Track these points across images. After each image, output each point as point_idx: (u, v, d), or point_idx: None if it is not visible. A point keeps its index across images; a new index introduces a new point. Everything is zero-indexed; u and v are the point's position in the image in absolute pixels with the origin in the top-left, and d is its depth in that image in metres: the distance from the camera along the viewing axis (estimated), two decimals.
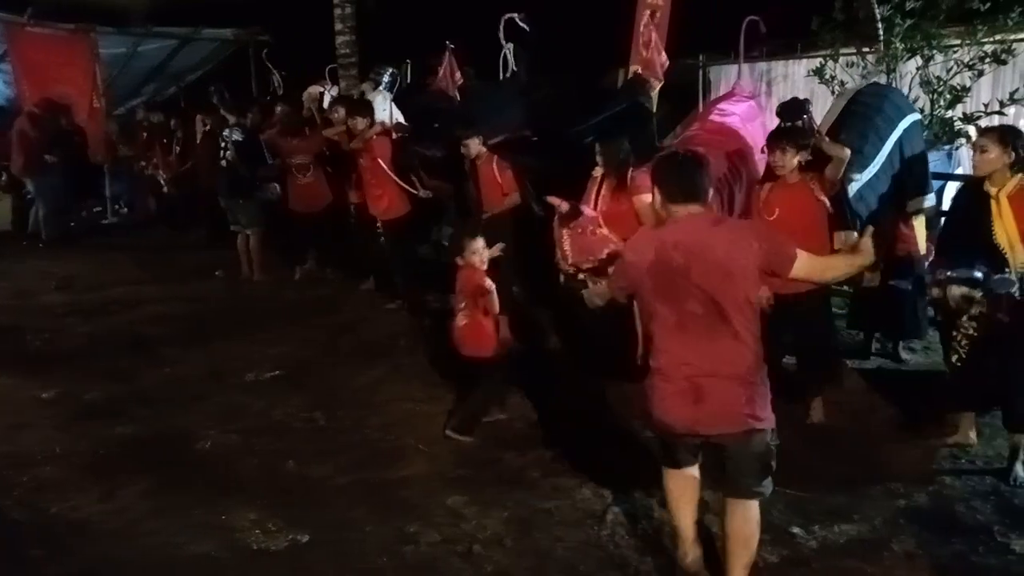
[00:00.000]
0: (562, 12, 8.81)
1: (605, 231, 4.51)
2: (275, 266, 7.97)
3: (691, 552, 3.06)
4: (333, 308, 6.92)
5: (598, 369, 5.01)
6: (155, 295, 7.50)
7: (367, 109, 6.80)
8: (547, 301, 5.80)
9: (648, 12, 6.29)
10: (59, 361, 5.76)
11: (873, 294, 5.01)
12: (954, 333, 3.83)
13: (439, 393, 4.89)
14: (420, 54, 8.45)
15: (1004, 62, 5.78)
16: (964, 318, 3.72)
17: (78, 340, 6.30)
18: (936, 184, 5.19)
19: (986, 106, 5.83)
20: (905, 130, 4.82)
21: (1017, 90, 5.72)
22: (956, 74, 5.91)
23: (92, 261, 8.94)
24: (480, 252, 4.36)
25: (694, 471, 3.03)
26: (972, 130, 5.57)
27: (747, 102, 5.37)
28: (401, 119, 7.31)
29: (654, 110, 5.71)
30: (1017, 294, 3.54)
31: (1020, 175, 3.67)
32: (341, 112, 7.03)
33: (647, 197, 4.25)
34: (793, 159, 4.25)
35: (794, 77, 7.56)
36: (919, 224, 4.92)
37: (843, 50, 6.45)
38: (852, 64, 6.44)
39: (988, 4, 5.74)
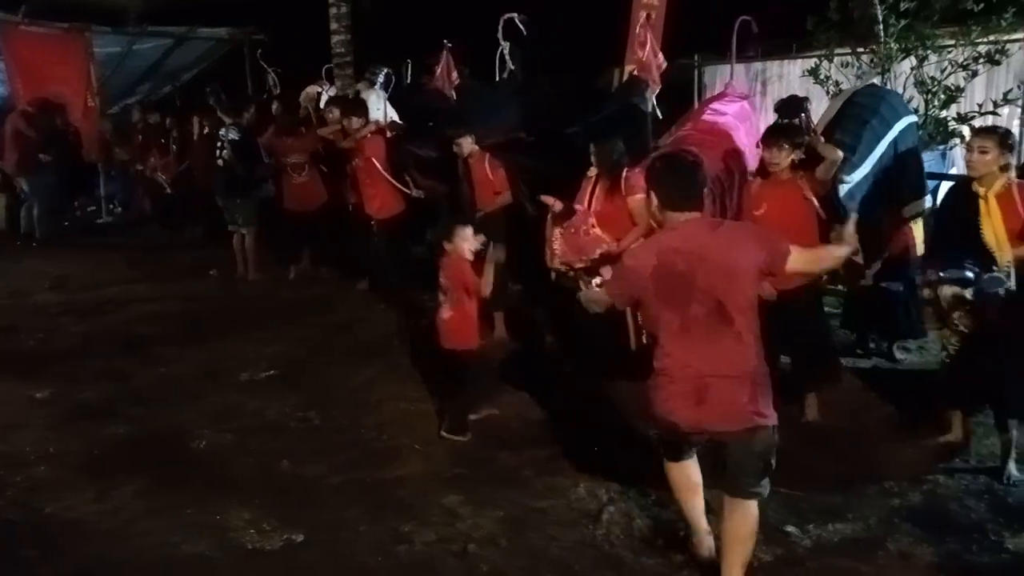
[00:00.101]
0: (558, 12, 8.81)
1: (598, 231, 4.52)
2: (270, 265, 7.95)
3: (705, 541, 3.11)
4: (328, 308, 6.92)
5: (593, 368, 5.02)
6: (150, 294, 7.49)
7: (361, 108, 6.81)
8: (542, 300, 5.81)
9: (644, 13, 6.30)
10: (53, 361, 5.74)
11: (867, 293, 5.03)
12: (946, 331, 3.86)
13: (434, 392, 4.88)
14: (416, 53, 8.45)
15: (998, 62, 5.80)
16: (955, 316, 3.74)
17: (72, 340, 6.28)
18: (931, 184, 5.21)
19: (980, 106, 5.86)
20: (900, 132, 4.83)
21: (1011, 90, 5.74)
22: (950, 74, 5.93)
23: (86, 260, 8.91)
24: (469, 240, 4.33)
25: (694, 461, 3.10)
26: (966, 130, 5.59)
27: (739, 102, 5.38)
28: (395, 118, 7.31)
29: (649, 111, 5.71)
30: (1002, 292, 3.57)
31: (1007, 175, 3.74)
32: (336, 112, 7.03)
33: (641, 197, 4.26)
34: (787, 157, 4.26)
35: (789, 77, 7.59)
36: (917, 227, 4.94)
37: (838, 50, 6.47)
38: (847, 64, 6.46)
39: (982, 5, 5.76)
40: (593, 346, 4.91)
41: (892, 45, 5.94)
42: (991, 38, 5.81)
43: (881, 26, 5.87)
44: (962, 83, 5.91)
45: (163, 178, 10.16)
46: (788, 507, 3.53)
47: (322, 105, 8.01)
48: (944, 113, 5.98)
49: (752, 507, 2.89)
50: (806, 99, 4.93)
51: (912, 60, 6.01)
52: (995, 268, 3.60)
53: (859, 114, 4.77)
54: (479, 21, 7.23)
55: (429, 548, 3.36)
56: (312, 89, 8.66)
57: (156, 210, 10.94)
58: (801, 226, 4.16)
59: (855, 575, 3.12)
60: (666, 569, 3.17)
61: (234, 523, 3.56)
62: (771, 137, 4.34)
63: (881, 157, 4.70)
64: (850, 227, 3.15)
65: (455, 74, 7.70)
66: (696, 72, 8.14)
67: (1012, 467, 3.76)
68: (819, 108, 5.17)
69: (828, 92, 6.29)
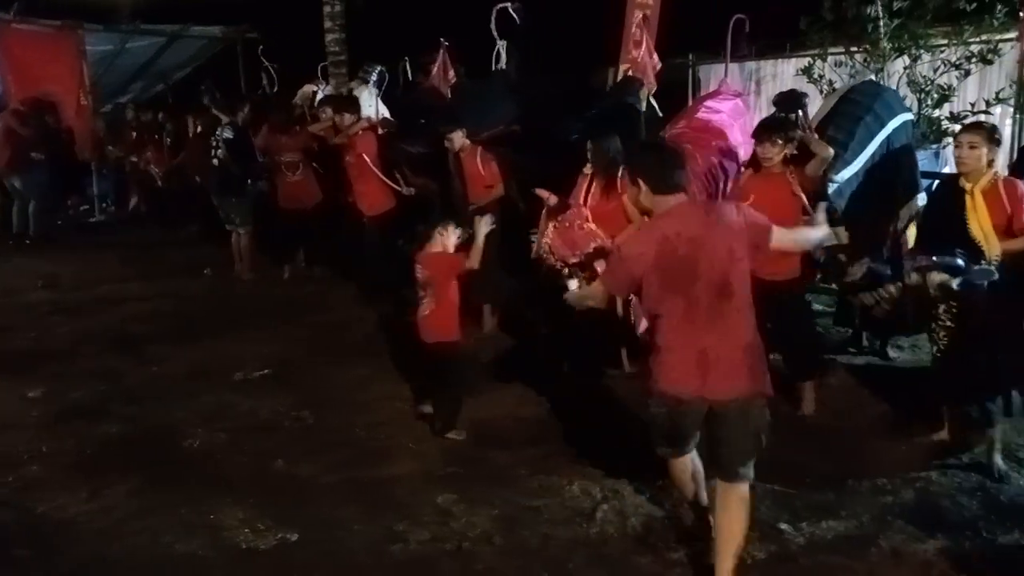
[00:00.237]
0: (552, 11, 8.81)
1: (592, 226, 4.52)
2: (264, 264, 7.94)
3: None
4: (322, 307, 6.91)
5: (586, 365, 5.02)
6: (143, 293, 7.47)
7: (353, 105, 6.80)
8: (535, 296, 5.80)
9: (639, 13, 6.31)
10: (46, 360, 5.72)
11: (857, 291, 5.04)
12: (932, 325, 3.88)
13: (427, 393, 4.86)
14: (410, 52, 8.44)
15: (990, 62, 5.82)
16: (940, 309, 3.77)
17: (65, 338, 6.26)
18: (925, 183, 5.23)
19: (973, 105, 5.88)
20: (895, 129, 4.85)
21: (1003, 89, 5.76)
22: (943, 73, 5.95)
23: (79, 259, 8.88)
24: (451, 235, 4.32)
25: (695, 455, 3.17)
26: (958, 129, 5.60)
27: (733, 100, 5.39)
28: (387, 115, 7.30)
29: (643, 110, 5.72)
30: (985, 285, 3.60)
31: (993, 171, 3.79)
32: (329, 111, 7.03)
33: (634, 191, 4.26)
34: (779, 152, 4.29)
35: (783, 76, 7.60)
36: (911, 226, 4.95)
37: (832, 50, 6.49)
38: (840, 64, 6.47)
39: (974, 4, 5.78)
40: (586, 342, 4.91)
41: (885, 44, 5.96)
42: (984, 37, 5.83)
43: (877, 24, 5.89)
44: (955, 82, 5.93)
45: (156, 171, 10.12)
46: (781, 505, 3.54)
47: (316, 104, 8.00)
48: (937, 112, 6.00)
49: (744, 492, 2.97)
50: (804, 94, 4.93)
51: (905, 59, 6.03)
52: (983, 261, 3.64)
53: (853, 111, 4.79)
54: (474, 19, 7.22)
55: (423, 547, 3.36)
56: (308, 88, 8.65)
57: (150, 208, 10.91)
58: (786, 221, 4.16)
59: (848, 572, 3.13)
60: (660, 567, 3.18)
61: (228, 522, 3.55)
62: (764, 132, 4.36)
63: (874, 155, 4.71)
64: (820, 215, 3.37)
65: (452, 72, 7.70)
66: (690, 71, 8.15)
67: (998, 459, 3.80)
68: (812, 108, 5.18)
69: (821, 91, 6.30)
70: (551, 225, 4.57)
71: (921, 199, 4.96)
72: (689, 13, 6.61)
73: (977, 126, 3.95)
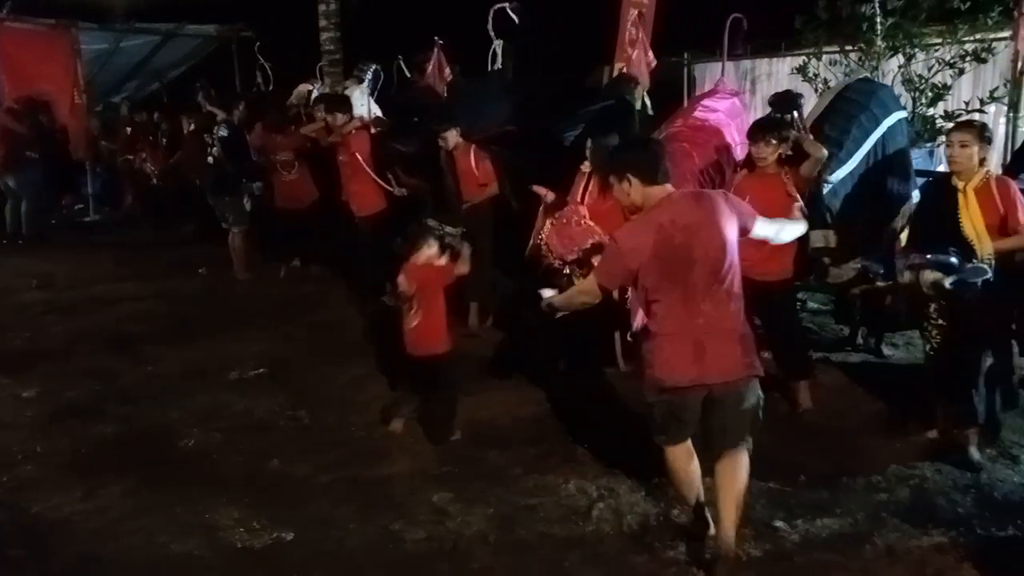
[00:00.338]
0: (548, 9, 8.81)
1: (590, 222, 4.52)
2: (260, 264, 7.92)
3: (709, 527, 3.21)
4: (317, 306, 6.89)
5: (582, 363, 5.02)
6: (137, 293, 7.44)
7: (345, 104, 6.78)
8: (528, 294, 5.78)
9: (634, 12, 6.31)
10: (40, 359, 5.70)
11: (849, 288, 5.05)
12: (925, 324, 3.89)
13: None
14: (405, 50, 8.43)
15: (984, 61, 5.85)
16: (932, 307, 3.78)
17: (59, 338, 6.24)
18: (919, 181, 5.24)
19: (967, 104, 5.90)
20: (889, 128, 4.86)
21: (997, 88, 5.78)
22: (937, 72, 5.98)
23: (73, 259, 8.85)
24: (434, 249, 4.19)
25: (691, 446, 3.19)
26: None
27: (730, 99, 5.41)
28: (379, 114, 7.28)
29: (638, 108, 5.72)
30: (979, 283, 3.60)
31: (985, 170, 3.81)
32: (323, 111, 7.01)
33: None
34: (774, 152, 4.29)
35: (778, 75, 7.63)
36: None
37: (826, 48, 6.50)
38: (835, 62, 6.49)
39: (969, 3, 5.80)
40: (580, 341, 4.90)
41: (880, 43, 5.97)
42: (978, 36, 5.86)
43: (871, 23, 5.91)
44: (949, 81, 5.95)
45: (151, 168, 10.09)
46: (776, 502, 3.55)
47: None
48: (931, 111, 6.02)
49: (744, 457, 3.05)
50: (800, 95, 4.94)
51: (900, 58, 6.04)
52: (975, 260, 3.65)
53: (848, 109, 4.79)
54: (470, 18, 7.22)
55: (419, 546, 3.36)
56: (304, 87, 8.62)
57: (145, 208, 10.87)
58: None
59: (842, 570, 3.14)
60: (656, 566, 3.18)
61: (223, 522, 3.55)
62: (758, 132, 4.36)
63: (869, 153, 4.72)
64: (796, 211, 3.70)
65: (447, 71, 7.69)
66: (686, 70, 8.17)
67: (974, 452, 3.84)
68: (807, 106, 5.20)
69: (816, 90, 6.32)
70: (548, 222, 4.57)
71: (915, 196, 4.97)
72: (684, 11, 6.62)
73: (968, 124, 3.97)
